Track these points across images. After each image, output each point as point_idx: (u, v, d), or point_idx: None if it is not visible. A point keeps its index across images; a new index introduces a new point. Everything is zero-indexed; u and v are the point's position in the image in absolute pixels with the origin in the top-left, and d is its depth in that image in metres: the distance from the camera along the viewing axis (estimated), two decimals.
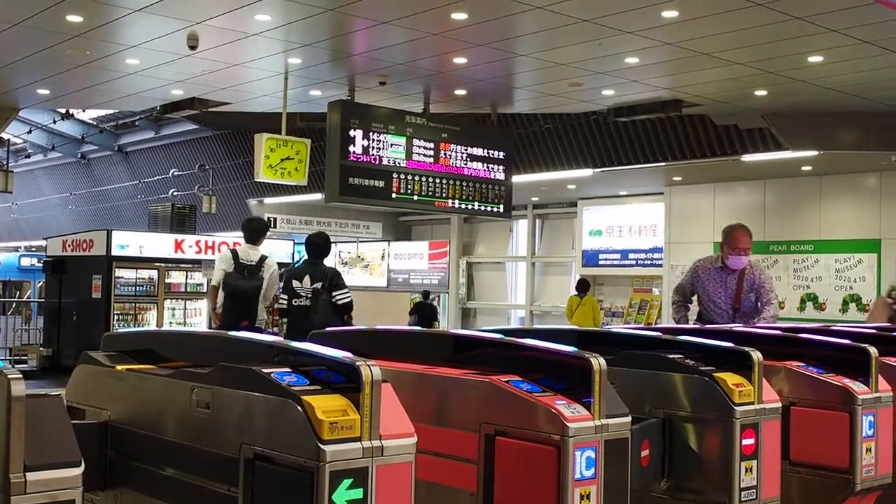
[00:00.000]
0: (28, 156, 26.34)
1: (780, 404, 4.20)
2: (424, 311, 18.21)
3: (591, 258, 18.61)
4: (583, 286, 15.63)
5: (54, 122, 21.66)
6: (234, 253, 8.65)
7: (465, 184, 12.14)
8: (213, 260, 14.96)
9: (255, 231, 8.77)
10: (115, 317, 14.36)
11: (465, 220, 21.49)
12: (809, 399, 4.56)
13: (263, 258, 8.59)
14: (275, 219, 20.00)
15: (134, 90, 12.30)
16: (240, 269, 8.42)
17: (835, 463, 4.48)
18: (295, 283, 8.41)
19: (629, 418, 3.49)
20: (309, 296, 8.36)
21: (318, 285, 8.33)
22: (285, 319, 8.65)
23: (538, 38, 9.31)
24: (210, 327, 10.14)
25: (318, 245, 8.66)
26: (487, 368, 3.68)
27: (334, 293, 8.38)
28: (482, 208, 12.44)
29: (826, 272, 14.78)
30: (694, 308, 7.97)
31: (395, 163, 11.48)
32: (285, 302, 8.59)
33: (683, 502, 4.16)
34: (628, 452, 3.47)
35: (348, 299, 8.45)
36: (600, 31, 8.84)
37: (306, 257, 8.70)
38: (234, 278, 8.46)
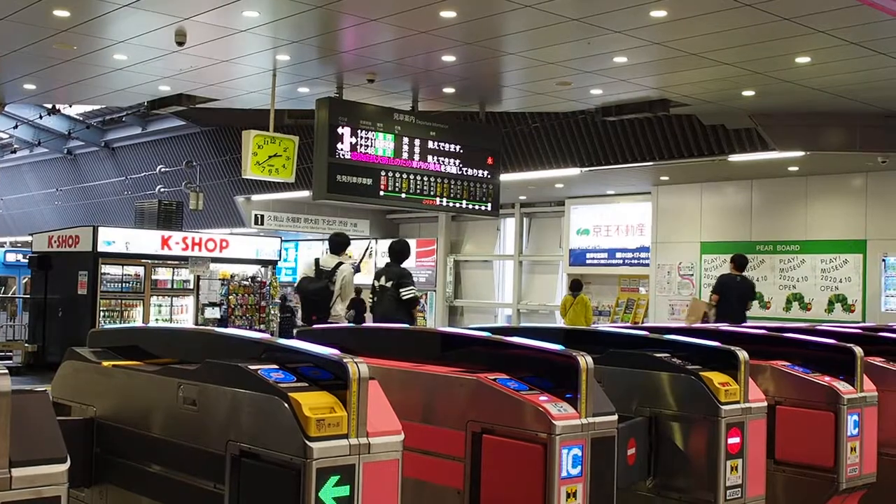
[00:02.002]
0: (14, 151, 26.17)
1: (765, 403, 4.22)
2: (359, 306, 18.83)
3: (578, 257, 18.64)
4: (576, 286, 15.75)
5: (40, 117, 21.55)
6: (317, 260, 9.88)
7: (452, 182, 12.13)
8: (200, 257, 15.00)
9: (337, 244, 9.98)
10: (101, 313, 14.31)
11: (453, 219, 21.49)
12: (795, 398, 4.59)
13: (338, 265, 9.67)
14: (262, 216, 19.96)
15: (121, 86, 12.25)
16: (318, 273, 9.66)
17: (820, 462, 4.50)
18: (376, 283, 9.82)
19: (616, 417, 3.50)
20: (381, 291, 9.70)
21: (388, 283, 9.60)
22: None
23: (526, 36, 9.31)
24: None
25: (397, 251, 9.89)
26: (475, 366, 3.68)
27: (400, 289, 9.52)
28: (470, 206, 12.44)
29: (812, 272, 14.84)
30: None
31: (383, 160, 11.47)
32: (372, 299, 9.98)
33: (669, 500, 4.18)
34: (615, 451, 3.48)
35: (411, 294, 9.63)
36: (589, 30, 8.85)
37: (388, 260, 9.97)
38: (304, 281, 9.79)
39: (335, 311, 9.80)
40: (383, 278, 9.71)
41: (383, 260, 22.79)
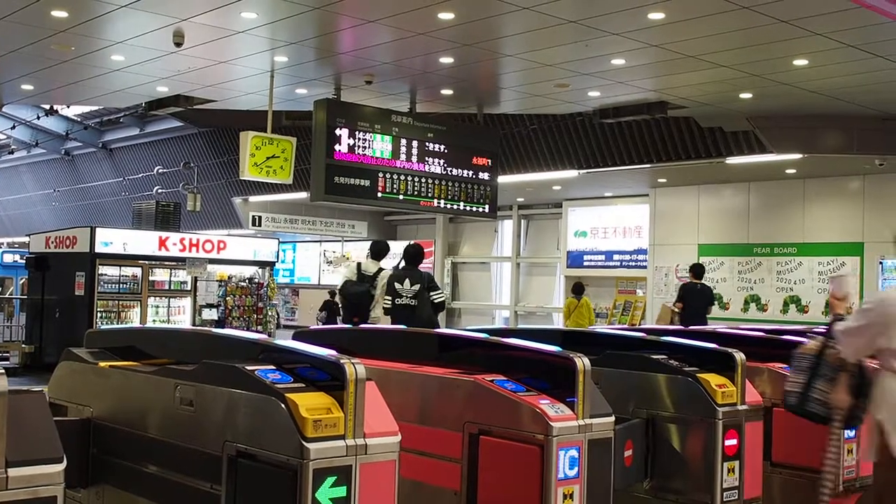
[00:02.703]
0: (11, 152, 26.15)
1: (762, 405, 4.22)
2: (331, 307, 19.31)
3: (575, 259, 18.64)
4: (578, 289, 16.01)
5: (38, 117, 21.51)
6: (359, 265, 10.24)
7: (450, 184, 12.13)
8: (197, 258, 14.98)
9: (378, 251, 10.28)
10: (98, 314, 14.28)
11: (451, 220, 21.49)
12: None
13: (379, 271, 10.04)
14: (259, 217, 19.95)
15: (119, 87, 12.24)
16: (360, 278, 10.02)
17: (817, 464, 4.50)
18: (397, 286, 9.66)
19: (613, 418, 3.50)
20: (411, 296, 9.64)
21: (418, 287, 9.61)
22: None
23: (525, 38, 9.31)
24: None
25: (413, 254, 9.88)
26: (472, 368, 3.68)
27: (432, 293, 9.66)
28: (467, 208, 12.44)
29: (809, 275, 14.85)
30: None
31: (380, 162, 11.46)
32: (389, 302, 9.85)
33: (666, 502, 4.18)
34: (612, 452, 3.48)
35: (442, 298, 9.96)
36: (587, 32, 8.85)
37: (404, 264, 9.98)
38: (348, 284, 10.10)
39: (374, 314, 10.12)
40: (407, 282, 9.61)
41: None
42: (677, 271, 16.43)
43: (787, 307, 15.07)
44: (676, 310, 12.76)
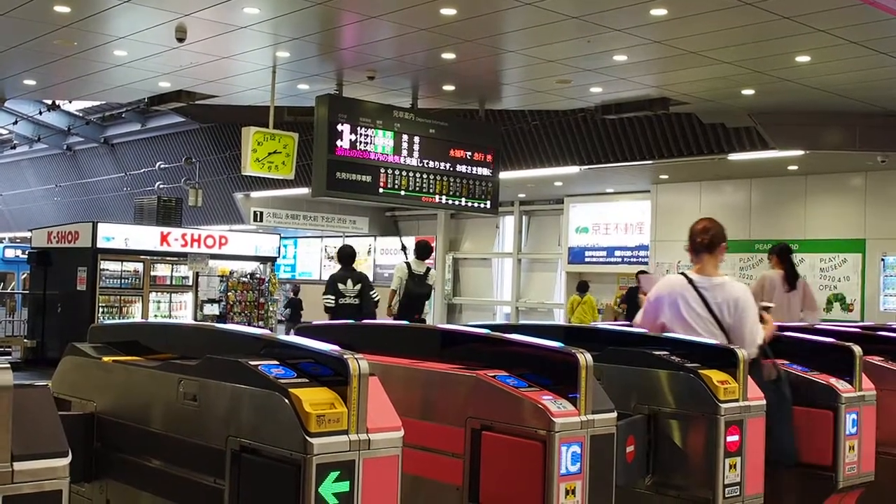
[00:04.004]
0: (14, 147, 26.18)
1: (764, 401, 4.23)
2: (295, 304, 19.75)
3: (577, 255, 18.64)
4: (583, 287, 16.38)
5: (40, 112, 21.53)
6: (409, 265, 10.90)
7: (452, 179, 12.13)
8: (199, 253, 14.99)
9: (423, 250, 11.12)
10: (100, 309, 14.29)
11: (452, 216, 21.49)
12: (794, 397, 4.59)
13: (428, 269, 11.02)
14: (261, 213, 19.96)
15: (121, 82, 12.25)
16: (412, 277, 10.78)
17: (818, 460, 4.51)
18: (340, 287, 10.50)
19: (615, 414, 3.51)
20: (354, 295, 10.52)
21: (360, 286, 10.58)
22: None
23: (527, 34, 9.31)
24: None
25: (350, 255, 10.84)
26: (474, 363, 3.68)
27: (371, 293, 10.73)
28: (469, 204, 12.44)
29: (811, 271, 14.84)
30: None
31: (382, 158, 11.46)
32: (332, 302, 10.56)
33: (668, 498, 4.18)
34: (614, 448, 3.48)
35: (378, 297, 10.90)
36: (589, 28, 8.85)
37: (341, 266, 10.86)
38: (411, 284, 10.77)
39: (426, 309, 11.32)
40: (350, 282, 10.59)
41: (383, 257, 22.95)
42: (678, 267, 16.42)
43: None
44: (621, 310, 14.35)
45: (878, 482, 4.73)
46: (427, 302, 11.41)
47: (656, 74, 10.76)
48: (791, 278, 8.62)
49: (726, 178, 15.70)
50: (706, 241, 4.79)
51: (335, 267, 11.73)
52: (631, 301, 14.06)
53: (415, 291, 10.82)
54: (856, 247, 14.38)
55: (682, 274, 4.86)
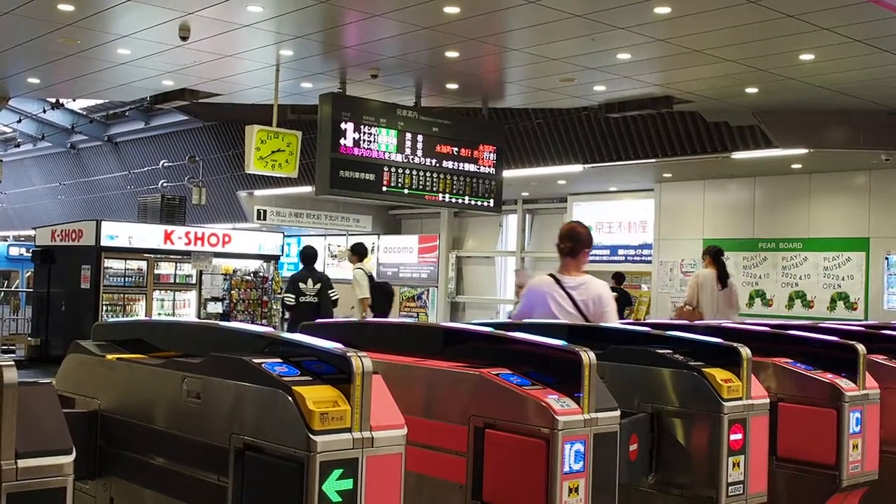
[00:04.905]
0: (18, 145, 26.18)
1: (767, 400, 4.22)
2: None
3: None
4: None
5: (44, 111, 21.55)
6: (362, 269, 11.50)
7: (455, 178, 12.13)
8: (202, 252, 15.00)
9: (361, 254, 11.67)
10: (104, 307, 14.32)
11: (455, 215, 21.49)
12: (797, 395, 4.59)
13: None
14: (264, 211, 19.96)
15: (125, 80, 12.26)
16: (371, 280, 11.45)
17: (822, 459, 4.50)
18: (301, 286, 10.97)
19: (618, 412, 3.51)
20: (314, 294, 10.98)
21: (319, 286, 11.03)
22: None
23: (530, 32, 9.31)
24: None
25: (312, 255, 11.37)
26: (477, 361, 3.68)
27: (330, 291, 11.09)
28: (472, 203, 12.44)
29: (814, 270, 14.83)
30: None
31: (385, 156, 11.47)
32: (293, 300, 11.03)
33: (671, 497, 4.18)
34: (617, 446, 3.48)
35: (337, 296, 11.35)
36: (592, 26, 8.84)
37: (302, 266, 11.39)
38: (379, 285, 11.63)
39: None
40: (310, 282, 11.16)
41: (386, 256, 22.97)
42: (682, 266, 16.42)
43: (793, 302, 15.06)
44: None
45: (882, 481, 4.73)
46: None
47: (660, 73, 10.76)
48: (722, 278, 9.67)
49: (730, 177, 15.69)
50: (569, 248, 5.44)
51: (337, 265, 12.03)
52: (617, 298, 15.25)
53: (391, 292, 11.78)
54: (860, 245, 14.36)
55: (550, 275, 5.46)
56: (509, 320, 6.42)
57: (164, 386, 3.24)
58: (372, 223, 21.79)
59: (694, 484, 4.11)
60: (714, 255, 9.89)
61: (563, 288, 5.32)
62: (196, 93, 12.67)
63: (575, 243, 5.44)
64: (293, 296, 11.07)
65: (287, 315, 12.16)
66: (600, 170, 15.20)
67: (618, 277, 16.13)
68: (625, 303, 16.11)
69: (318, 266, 12.33)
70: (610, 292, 5.47)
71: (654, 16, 8.42)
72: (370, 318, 10.93)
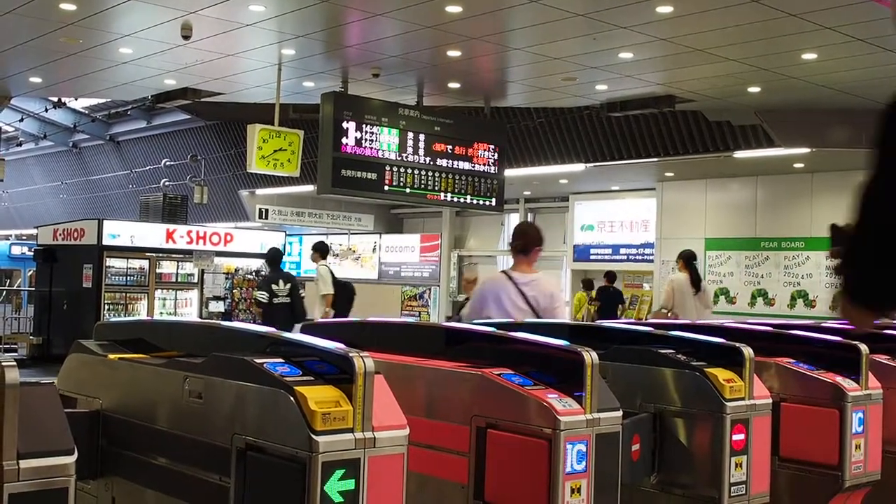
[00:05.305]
0: (19, 144, 26.20)
1: (770, 400, 4.22)
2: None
3: (582, 253, 18.63)
4: (589, 285, 16.50)
5: (46, 110, 21.57)
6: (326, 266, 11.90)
7: (457, 177, 12.13)
8: (204, 250, 15.00)
9: (323, 251, 12.07)
10: (106, 306, 14.32)
11: (457, 214, 21.49)
12: (800, 395, 4.58)
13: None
14: (266, 210, 19.97)
15: (127, 79, 12.27)
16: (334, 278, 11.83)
17: (824, 459, 4.49)
18: (274, 287, 11.30)
19: (620, 412, 3.50)
20: (285, 294, 11.30)
21: (290, 286, 11.39)
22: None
23: (532, 31, 9.30)
24: None
25: (278, 257, 11.99)
26: (479, 361, 3.68)
27: (301, 292, 11.66)
28: (474, 202, 12.44)
29: (816, 269, 14.82)
30: None
31: (387, 155, 11.47)
32: (265, 297, 11.29)
33: (673, 497, 4.18)
34: (619, 446, 3.47)
35: (304, 295, 11.91)
36: (594, 25, 8.84)
37: (270, 268, 11.86)
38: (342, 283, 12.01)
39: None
40: (282, 283, 11.49)
41: (388, 255, 22.97)
42: None
43: (795, 301, 15.04)
44: (594, 308, 15.80)
45: (885, 481, 4.72)
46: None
47: (662, 72, 10.75)
48: (696, 282, 9.94)
49: (732, 176, 15.68)
50: (521, 246, 5.70)
51: (339, 264, 12.20)
52: (603, 298, 15.82)
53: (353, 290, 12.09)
54: None
55: (503, 272, 5.75)
56: (459, 318, 6.62)
57: (166, 386, 3.24)
58: (374, 222, 21.80)
59: (696, 484, 4.10)
60: (687, 259, 10.06)
61: (515, 284, 5.57)
62: (198, 92, 12.68)
63: (526, 242, 5.70)
64: (267, 294, 11.40)
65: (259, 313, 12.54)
66: (602, 169, 15.20)
67: (609, 276, 16.29)
68: (616, 301, 16.17)
69: (315, 266, 12.60)
70: (559, 289, 6.01)
71: (656, 15, 8.41)
72: (330, 316, 11.31)
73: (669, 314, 9.75)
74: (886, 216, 1.64)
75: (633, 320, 16.03)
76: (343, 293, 12.03)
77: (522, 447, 3.32)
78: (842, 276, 1.77)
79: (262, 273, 12.65)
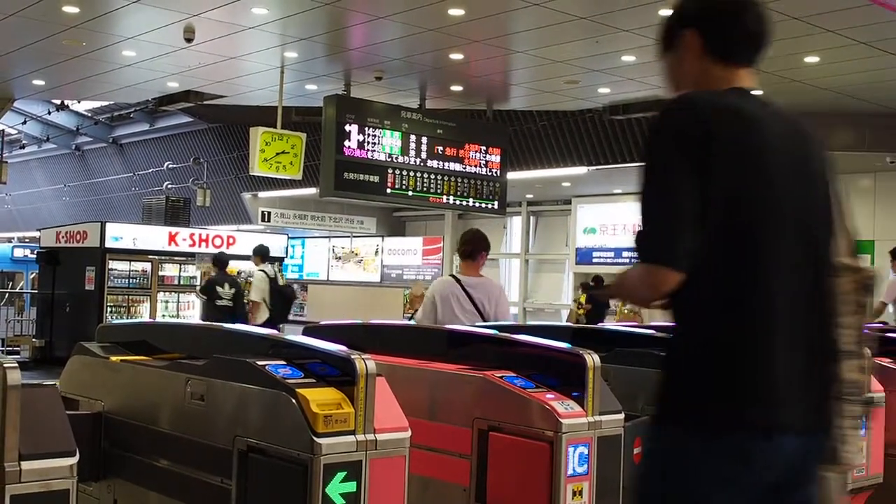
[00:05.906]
0: (23, 146, 26.22)
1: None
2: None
3: (584, 256, 18.61)
4: (586, 288, 16.41)
5: (49, 112, 21.57)
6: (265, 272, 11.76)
7: (459, 180, 12.12)
8: (206, 253, 15.01)
9: (264, 254, 12.00)
10: (108, 309, 14.33)
11: (460, 217, 21.47)
12: None
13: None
14: (269, 213, 19.97)
15: (129, 82, 12.28)
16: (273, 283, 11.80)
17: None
18: (219, 290, 11.65)
19: (622, 415, 3.50)
20: (229, 297, 11.66)
21: (234, 290, 11.80)
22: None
23: (535, 35, 9.30)
24: None
25: (225, 261, 12.06)
26: (481, 364, 3.68)
27: (243, 298, 11.94)
28: (476, 205, 12.43)
29: None
30: None
31: (390, 158, 11.47)
32: (206, 299, 11.72)
33: None
34: (621, 449, 3.47)
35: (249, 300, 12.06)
36: (597, 28, 8.84)
37: (217, 271, 12.03)
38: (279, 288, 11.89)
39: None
40: (227, 286, 11.78)
41: (391, 257, 22.99)
42: None
43: None
44: (583, 312, 15.74)
45: (887, 484, 4.71)
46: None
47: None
48: None
49: None
50: (468, 251, 5.91)
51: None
52: (593, 302, 15.85)
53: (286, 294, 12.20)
54: (865, 248, 14.31)
55: (451, 275, 6.07)
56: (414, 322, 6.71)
57: (168, 388, 3.24)
58: (376, 225, 21.79)
59: None
60: None
61: (462, 287, 5.79)
62: (201, 95, 12.69)
63: (473, 247, 5.91)
64: (208, 296, 11.75)
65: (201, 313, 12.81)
66: (605, 172, 15.18)
67: (597, 280, 16.27)
68: (603, 306, 16.08)
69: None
70: (503, 291, 6.12)
71: (658, 18, 8.40)
72: (262, 321, 11.36)
73: (637, 315, 9.78)
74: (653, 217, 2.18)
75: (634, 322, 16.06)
76: (281, 299, 11.97)
77: (524, 450, 3.32)
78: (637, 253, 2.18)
79: (210, 274, 12.64)
